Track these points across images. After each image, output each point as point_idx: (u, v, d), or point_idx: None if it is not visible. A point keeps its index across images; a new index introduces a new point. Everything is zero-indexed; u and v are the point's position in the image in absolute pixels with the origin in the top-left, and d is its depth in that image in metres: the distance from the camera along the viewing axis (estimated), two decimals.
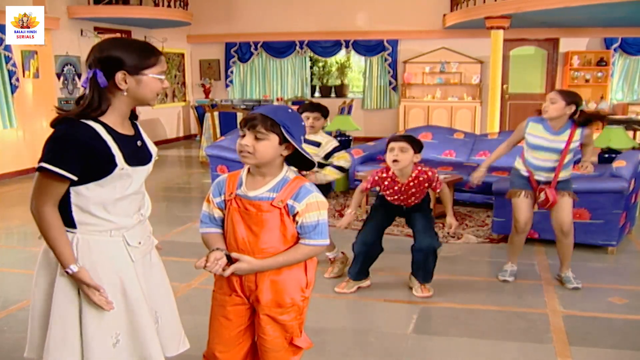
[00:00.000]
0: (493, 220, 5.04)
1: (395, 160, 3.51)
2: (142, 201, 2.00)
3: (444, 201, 3.76)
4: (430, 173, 3.63)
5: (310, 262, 2.03)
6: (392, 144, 3.54)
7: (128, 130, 1.89)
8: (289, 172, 1.98)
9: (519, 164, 3.92)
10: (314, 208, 1.93)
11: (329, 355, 3.03)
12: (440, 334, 3.28)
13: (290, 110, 1.97)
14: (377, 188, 3.80)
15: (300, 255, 1.96)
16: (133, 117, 1.94)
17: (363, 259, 3.82)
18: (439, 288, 3.94)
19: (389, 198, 3.76)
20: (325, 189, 3.98)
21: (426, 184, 3.64)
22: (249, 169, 1.99)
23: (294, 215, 1.93)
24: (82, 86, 1.85)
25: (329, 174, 3.84)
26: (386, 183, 3.67)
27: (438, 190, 3.68)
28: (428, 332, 3.30)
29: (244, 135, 1.89)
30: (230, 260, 1.94)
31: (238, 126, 1.97)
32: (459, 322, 3.44)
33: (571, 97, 3.66)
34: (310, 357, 2.94)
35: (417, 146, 3.56)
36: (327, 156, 3.91)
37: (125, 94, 1.80)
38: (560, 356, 3.00)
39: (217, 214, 2.02)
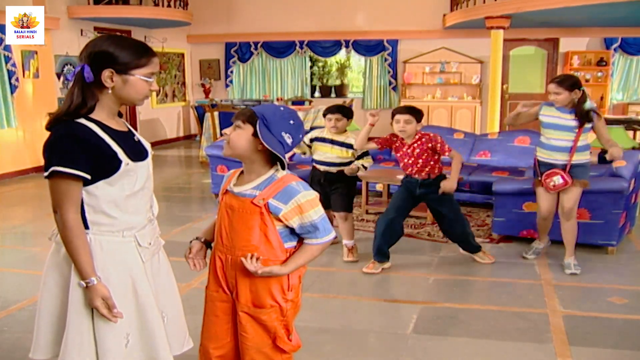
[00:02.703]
0: (493, 220, 5.04)
1: (402, 131, 4.01)
2: (152, 198, 2.00)
3: (453, 165, 4.03)
4: (432, 134, 4.04)
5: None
6: (397, 117, 4.01)
7: (122, 127, 1.89)
8: (278, 171, 1.94)
9: (537, 151, 4.16)
10: (308, 207, 1.89)
11: (329, 356, 3.03)
12: (440, 334, 3.28)
13: (282, 109, 1.95)
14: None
15: (316, 252, 1.97)
16: (118, 114, 1.92)
17: (381, 237, 4.13)
18: (439, 288, 3.94)
19: (401, 164, 4.17)
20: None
21: (429, 145, 4.00)
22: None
23: (281, 218, 1.89)
24: (68, 79, 1.84)
25: (362, 162, 4.32)
26: (397, 144, 4.13)
27: (447, 154, 4.01)
28: (428, 332, 3.30)
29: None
30: (210, 247, 2.09)
31: None
32: (459, 322, 3.44)
33: (571, 84, 3.91)
34: (310, 357, 2.95)
35: (419, 116, 4.04)
36: (359, 157, 4.33)
37: (110, 91, 1.78)
38: (560, 356, 3.00)
39: None
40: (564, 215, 4.09)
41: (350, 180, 4.37)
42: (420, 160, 4.04)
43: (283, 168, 1.93)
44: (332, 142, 4.32)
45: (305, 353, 2.99)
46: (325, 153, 4.34)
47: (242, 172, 2.00)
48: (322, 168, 4.37)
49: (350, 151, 4.28)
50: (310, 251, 1.96)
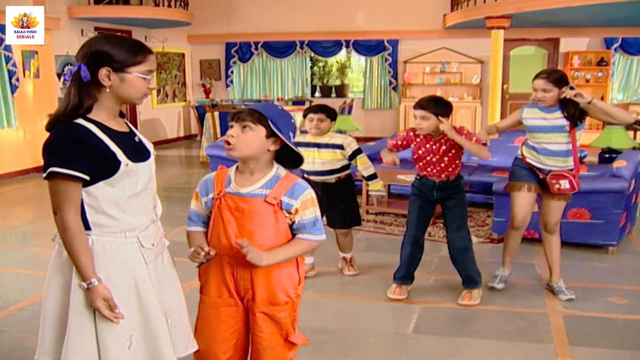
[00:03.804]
0: (493, 220, 5.04)
1: (418, 128, 3.50)
2: (155, 199, 1.99)
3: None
4: (457, 127, 3.48)
5: (300, 259, 2.06)
6: (415, 112, 3.50)
7: (122, 127, 1.88)
8: (280, 169, 1.99)
9: (524, 151, 3.68)
10: (310, 204, 1.96)
11: (329, 355, 3.03)
12: (441, 334, 3.28)
13: (280, 108, 2.00)
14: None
15: (304, 248, 1.98)
16: (120, 115, 1.92)
17: (410, 259, 3.70)
18: (439, 288, 3.94)
19: (421, 162, 3.61)
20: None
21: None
22: (237, 167, 2.00)
23: (291, 213, 1.94)
24: (65, 80, 1.83)
25: (378, 186, 3.91)
26: (418, 140, 3.59)
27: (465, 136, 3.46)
28: (428, 332, 3.30)
29: (232, 128, 1.94)
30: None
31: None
32: (459, 322, 3.44)
33: (560, 79, 3.48)
34: (311, 357, 2.95)
35: (441, 110, 3.44)
36: (351, 157, 3.87)
37: (108, 90, 1.78)
38: (560, 356, 3.00)
39: (204, 212, 2.05)
40: (549, 230, 3.68)
41: (351, 190, 3.99)
42: (445, 159, 3.52)
43: (299, 165, 2.00)
44: (317, 145, 3.82)
45: (305, 353, 2.99)
46: (312, 159, 3.81)
47: (236, 173, 2.00)
48: (317, 179, 3.83)
49: (339, 151, 3.81)
50: (303, 245, 1.98)
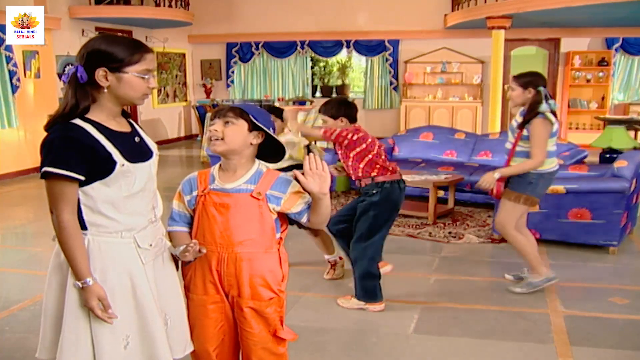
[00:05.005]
0: (494, 220, 5.03)
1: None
2: (155, 200, 1.98)
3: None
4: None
5: (283, 256, 2.07)
6: None
7: (123, 127, 1.87)
8: (261, 165, 2.04)
9: None
10: (300, 194, 1.99)
11: (329, 355, 3.03)
12: (441, 334, 3.28)
13: (258, 107, 2.08)
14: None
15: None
16: (125, 114, 1.91)
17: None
18: (440, 288, 3.94)
19: None
20: None
21: (338, 142, 3.41)
22: (220, 165, 2.05)
23: (282, 205, 1.98)
24: (63, 81, 1.83)
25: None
26: None
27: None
28: (429, 332, 3.30)
29: (214, 125, 1.99)
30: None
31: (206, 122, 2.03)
32: (460, 322, 3.44)
33: (527, 81, 3.47)
34: (311, 357, 2.95)
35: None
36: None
37: (106, 91, 1.77)
38: (561, 356, 3.00)
39: (187, 211, 2.07)
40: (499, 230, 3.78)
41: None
42: (347, 161, 3.49)
43: (282, 158, 2.05)
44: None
45: (306, 353, 2.99)
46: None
47: (219, 170, 2.04)
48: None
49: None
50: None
